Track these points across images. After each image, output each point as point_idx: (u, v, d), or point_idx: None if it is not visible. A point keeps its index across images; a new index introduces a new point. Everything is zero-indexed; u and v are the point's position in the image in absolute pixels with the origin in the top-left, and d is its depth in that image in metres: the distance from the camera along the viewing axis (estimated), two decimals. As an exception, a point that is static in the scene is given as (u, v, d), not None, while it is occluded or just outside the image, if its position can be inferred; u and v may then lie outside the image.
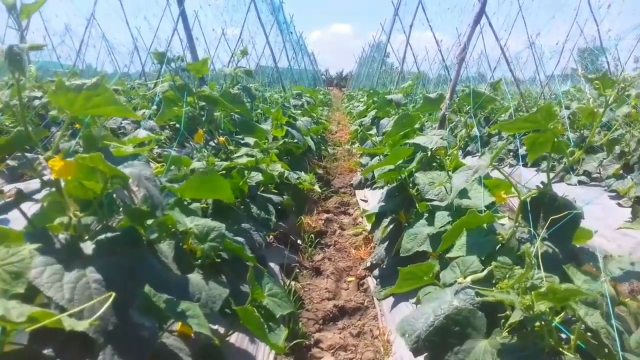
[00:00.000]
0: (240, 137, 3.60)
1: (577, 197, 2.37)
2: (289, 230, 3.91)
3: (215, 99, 3.06)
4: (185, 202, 2.27)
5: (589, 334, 1.55)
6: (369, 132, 7.04)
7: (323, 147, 8.12)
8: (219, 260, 2.11)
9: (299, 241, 4.03)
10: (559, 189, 2.97)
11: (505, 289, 1.59)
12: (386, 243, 3.27)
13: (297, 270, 3.45)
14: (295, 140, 5.44)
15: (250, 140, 3.48)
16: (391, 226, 3.32)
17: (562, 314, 1.57)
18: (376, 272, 3.26)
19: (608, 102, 1.88)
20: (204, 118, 3.16)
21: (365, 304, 3.06)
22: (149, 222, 1.84)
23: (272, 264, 3.07)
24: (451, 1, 23.96)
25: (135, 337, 1.32)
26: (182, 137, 3.04)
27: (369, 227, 3.94)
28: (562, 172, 2.20)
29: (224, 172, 2.71)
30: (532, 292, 1.44)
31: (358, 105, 13.15)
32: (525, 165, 5.57)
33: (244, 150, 3.08)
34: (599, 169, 5.86)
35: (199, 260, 2.00)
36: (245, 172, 2.88)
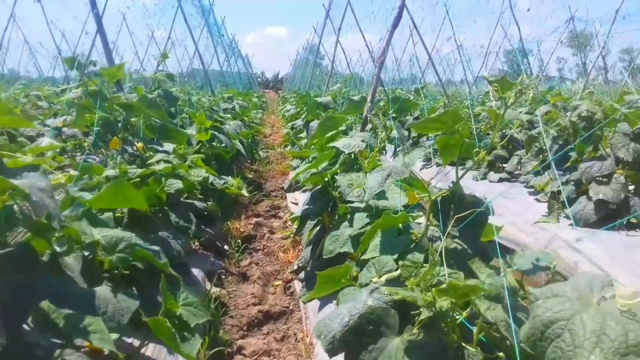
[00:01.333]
0: (160, 143, 3.51)
1: (496, 193, 2.46)
2: (215, 236, 3.85)
3: (130, 104, 2.97)
4: (97, 212, 2.19)
5: (495, 326, 1.60)
6: (299, 135, 7.07)
7: (255, 151, 8.06)
8: (133, 271, 2.05)
9: (226, 247, 3.97)
10: (481, 187, 3.08)
11: (412, 286, 1.63)
12: (311, 246, 3.28)
13: (223, 276, 3.40)
14: (224, 145, 5.38)
15: (169, 146, 3.40)
16: (316, 229, 3.34)
17: (468, 309, 1.62)
18: (302, 275, 3.26)
19: (507, 103, 1.96)
20: (120, 124, 3.06)
21: (291, 307, 3.05)
22: (58, 234, 1.77)
23: (195, 271, 3.01)
24: (377, 5, 24.54)
25: (28, 357, 1.26)
26: (95, 144, 2.94)
27: (297, 230, 3.93)
28: (471, 170, 2.28)
29: (138, 179, 2.63)
30: (434, 289, 1.48)
31: (290, 109, 13.16)
32: (453, 164, 5.73)
33: (159, 156, 3.00)
34: (519, 166, 6.13)
35: (113, 272, 1.93)
36: (163, 178, 2.81)
